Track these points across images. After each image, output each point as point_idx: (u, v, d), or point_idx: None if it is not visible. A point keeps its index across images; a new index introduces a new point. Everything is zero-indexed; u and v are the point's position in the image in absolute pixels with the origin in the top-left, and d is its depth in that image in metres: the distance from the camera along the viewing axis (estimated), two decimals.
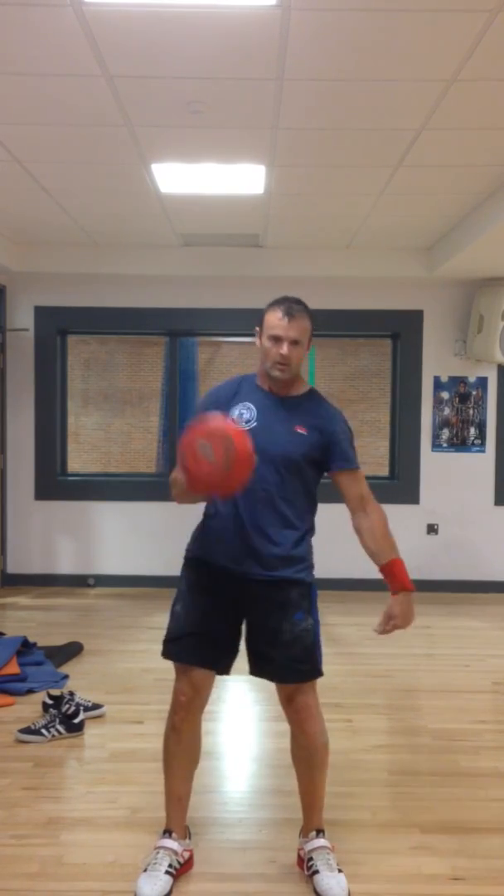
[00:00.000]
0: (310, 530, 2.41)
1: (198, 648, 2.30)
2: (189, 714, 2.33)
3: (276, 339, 2.29)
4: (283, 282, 6.23)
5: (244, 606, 2.34)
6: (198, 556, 2.39)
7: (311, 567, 2.39)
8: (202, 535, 2.40)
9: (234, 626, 2.36)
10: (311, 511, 2.41)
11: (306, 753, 2.38)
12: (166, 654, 2.36)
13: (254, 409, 2.33)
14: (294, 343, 2.29)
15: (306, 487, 2.36)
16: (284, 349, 2.29)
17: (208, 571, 2.34)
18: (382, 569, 2.31)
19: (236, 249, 6.08)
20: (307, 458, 2.33)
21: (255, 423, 2.30)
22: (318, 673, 2.35)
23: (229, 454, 2.02)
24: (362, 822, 2.72)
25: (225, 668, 2.37)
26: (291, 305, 2.31)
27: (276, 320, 2.30)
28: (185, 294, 6.40)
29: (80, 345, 6.77)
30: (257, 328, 2.38)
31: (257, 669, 2.36)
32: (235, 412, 2.32)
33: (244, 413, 2.33)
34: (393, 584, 2.29)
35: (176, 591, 2.40)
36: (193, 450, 2.06)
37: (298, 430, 2.31)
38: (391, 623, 2.27)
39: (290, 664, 2.30)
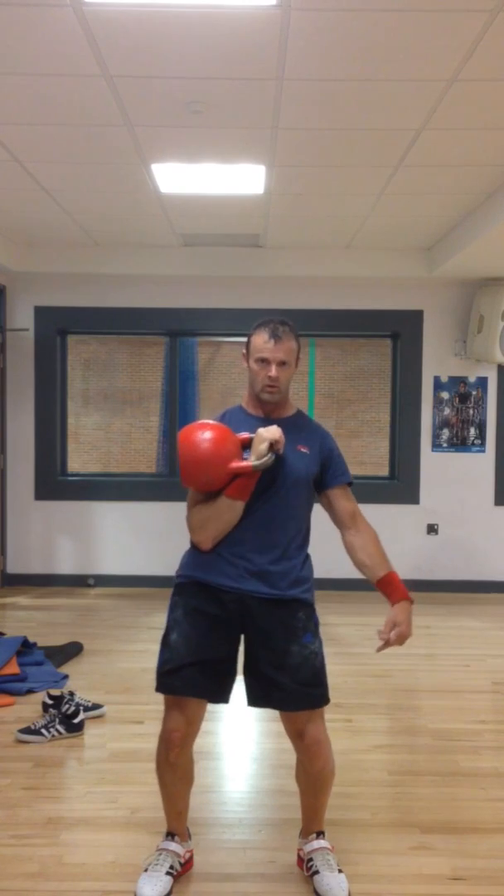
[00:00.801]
0: (307, 548, 2.40)
1: (198, 679, 2.21)
2: (184, 748, 2.27)
3: (264, 362, 2.27)
4: (283, 282, 6.27)
5: (246, 629, 2.26)
6: (195, 579, 2.29)
7: (312, 588, 2.36)
8: (197, 557, 2.31)
9: (234, 651, 2.29)
10: (309, 531, 2.40)
11: (313, 781, 2.34)
12: (164, 688, 2.25)
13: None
14: (282, 364, 2.28)
15: (308, 508, 2.37)
16: (273, 371, 2.27)
17: (207, 593, 2.26)
18: (380, 581, 2.30)
19: (236, 249, 6.08)
20: (312, 476, 2.34)
21: None
22: (328, 698, 2.29)
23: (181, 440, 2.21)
24: (362, 822, 2.72)
25: (226, 697, 2.29)
26: (277, 327, 2.28)
27: (262, 343, 2.27)
28: (185, 294, 6.40)
29: (80, 345, 6.77)
30: (244, 352, 2.37)
31: (262, 697, 2.27)
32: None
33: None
34: (395, 594, 2.28)
35: (167, 621, 2.30)
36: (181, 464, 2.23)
37: (301, 450, 2.31)
38: (396, 630, 2.24)
39: (300, 689, 2.22)
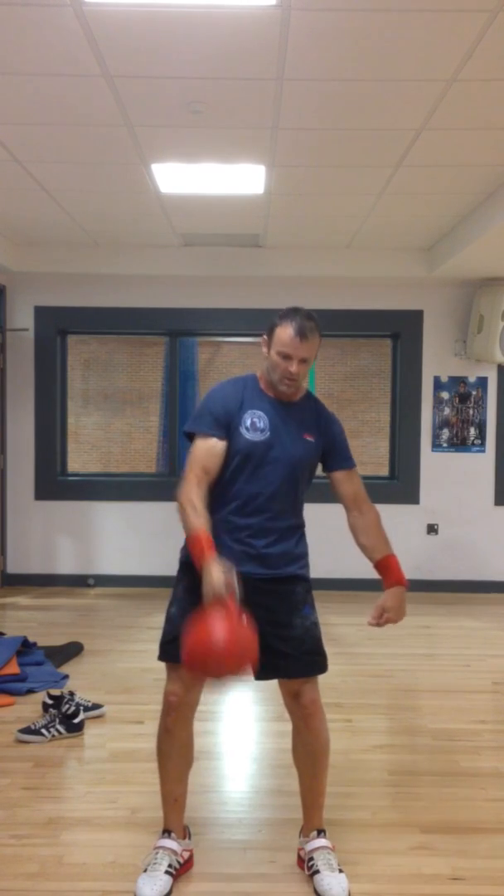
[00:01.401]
0: (303, 526, 2.46)
1: None
2: (181, 714, 2.32)
3: (286, 357, 2.30)
4: (283, 282, 6.27)
5: (246, 607, 2.31)
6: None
7: (308, 564, 2.45)
8: None
9: None
10: (302, 508, 2.47)
11: (310, 750, 2.38)
12: (163, 656, 2.34)
13: (265, 418, 2.35)
14: (303, 361, 2.32)
15: (304, 489, 2.44)
16: (294, 367, 2.31)
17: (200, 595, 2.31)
18: (378, 564, 2.37)
19: (236, 249, 6.08)
20: (312, 463, 2.42)
21: (268, 433, 2.34)
22: (327, 666, 2.38)
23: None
24: (362, 822, 2.72)
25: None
26: (304, 324, 2.30)
27: (287, 338, 2.29)
28: (185, 294, 6.40)
29: (80, 345, 6.77)
30: (265, 336, 2.38)
31: (268, 668, 2.30)
32: (247, 420, 2.34)
33: (257, 422, 2.35)
34: (388, 578, 2.35)
35: (171, 595, 2.39)
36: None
37: (306, 438, 2.38)
38: (385, 616, 2.32)
39: (304, 657, 2.31)
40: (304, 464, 2.39)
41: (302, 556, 2.41)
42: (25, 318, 6.44)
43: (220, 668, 2.05)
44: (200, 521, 2.20)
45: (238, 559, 2.28)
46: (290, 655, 2.30)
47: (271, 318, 2.37)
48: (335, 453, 2.45)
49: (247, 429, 2.33)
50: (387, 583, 2.36)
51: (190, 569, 2.34)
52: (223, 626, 2.03)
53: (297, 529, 2.42)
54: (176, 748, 2.36)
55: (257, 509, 2.32)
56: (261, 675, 2.33)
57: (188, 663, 2.09)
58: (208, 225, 5.48)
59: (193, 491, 2.26)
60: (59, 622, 5.37)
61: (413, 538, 6.45)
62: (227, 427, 2.33)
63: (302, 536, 2.43)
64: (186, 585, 2.34)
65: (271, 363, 2.35)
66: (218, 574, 2.09)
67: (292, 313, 2.33)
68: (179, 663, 2.27)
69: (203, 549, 2.14)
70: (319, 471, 2.50)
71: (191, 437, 2.38)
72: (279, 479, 2.33)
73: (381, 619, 2.32)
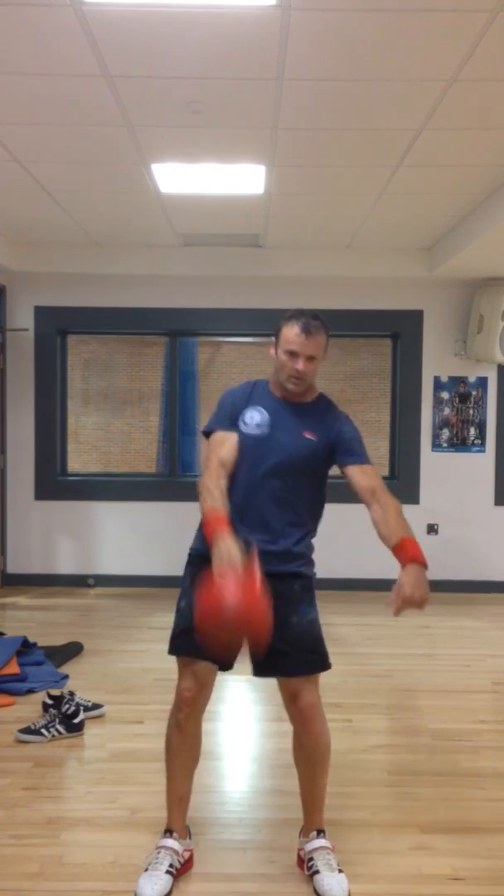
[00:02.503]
0: (313, 531, 2.45)
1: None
2: (193, 710, 2.33)
3: (293, 354, 2.33)
4: (283, 282, 6.27)
5: None
6: (201, 552, 2.36)
7: (310, 563, 2.44)
8: (205, 533, 2.39)
9: None
10: (317, 511, 2.45)
11: (310, 753, 2.39)
12: (173, 649, 2.35)
13: (266, 413, 2.39)
14: (310, 359, 2.34)
15: (313, 488, 2.43)
16: (300, 365, 2.33)
17: (210, 567, 2.33)
18: (394, 548, 2.22)
19: (236, 249, 6.07)
20: (314, 462, 2.40)
21: (266, 428, 2.37)
22: (328, 664, 2.37)
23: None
24: (362, 822, 2.72)
25: (230, 664, 2.32)
26: (309, 322, 2.34)
27: (293, 336, 2.33)
28: (185, 294, 6.40)
29: (80, 345, 6.77)
30: (273, 339, 2.43)
31: (267, 666, 2.32)
32: (247, 414, 2.40)
33: (255, 416, 2.39)
34: (403, 556, 2.18)
35: (180, 589, 2.41)
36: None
37: (307, 436, 2.37)
38: (401, 593, 2.10)
39: (302, 655, 2.32)
40: (304, 461, 2.37)
41: (302, 556, 2.40)
42: (25, 318, 6.44)
43: (231, 629, 2.01)
44: (217, 503, 2.23)
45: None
46: (287, 653, 2.30)
47: (279, 321, 2.40)
48: (342, 449, 2.41)
49: (244, 423, 2.38)
50: (402, 562, 2.18)
51: (198, 560, 2.36)
52: (237, 587, 2.01)
53: (300, 528, 2.39)
54: (186, 745, 2.37)
55: (255, 506, 2.33)
56: (259, 671, 2.35)
57: (200, 625, 2.06)
58: (208, 225, 5.48)
59: (211, 480, 2.29)
60: (59, 622, 5.37)
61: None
62: (235, 422, 2.39)
63: (305, 536, 2.41)
64: (193, 578, 2.33)
65: (279, 363, 2.38)
66: (232, 543, 2.09)
67: (298, 313, 2.38)
68: (191, 657, 2.30)
69: (218, 524, 2.15)
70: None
71: (208, 436, 2.44)
72: (277, 475, 2.34)
73: (399, 601, 2.10)
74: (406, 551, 2.22)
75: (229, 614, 2.00)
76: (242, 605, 2.01)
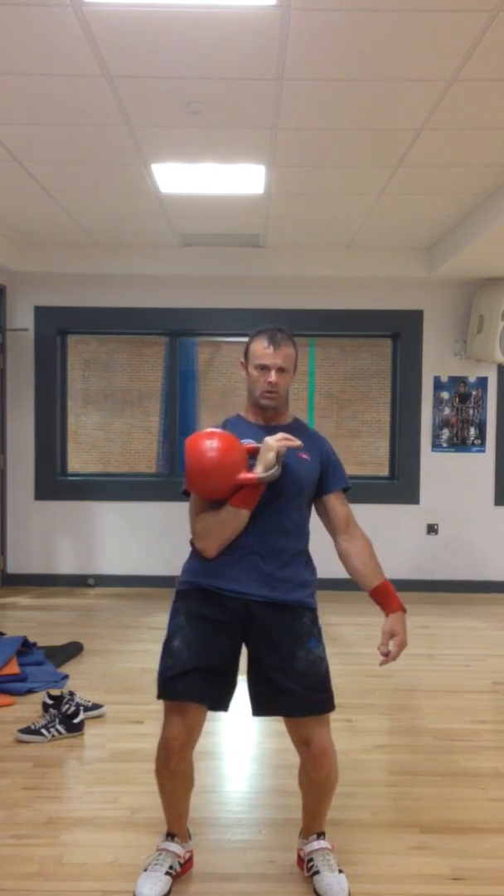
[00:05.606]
0: (308, 551, 2.41)
1: (200, 685, 2.20)
2: (182, 755, 2.24)
3: (263, 368, 2.29)
4: (283, 282, 6.27)
5: (250, 635, 2.27)
6: (197, 585, 2.29)
7: (316, 593, 2.38)
8: (200, 563, 2.31)
9: (235, 659, 2.29)
10: (308, 534, 2.41)
11: (317, 784, 2.33)
12: (166, 693, 2.23)
13: (256, 444, 2.30)
14: (281, 370, 2.30)
15: (308, 513, 2.40)
16: (272, 377, 2.29)
17: (210, 599, 2.26)
18: (374, 591, 2.32)
19: (236, 249, 6.07)
20: (313, 483, 2.36)
21: None
22: (333, 705, 2.28)
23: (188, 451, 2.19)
24: (362, 822, 2.72)
25: (225, 705, 2.28)
26: (275, 334, 2.31)
27: (261, 350, 2.30)
28: (185, 294, 6.40)
29: (80, 345, 6.77)
30: (242, 360, 2.38)
31: (268, 703, 2.26)
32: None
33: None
34: (390, 605, 2.31)
35: (169, 626, 2.30)
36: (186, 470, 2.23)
37: (303, 457, 2.33)
38: (395, 640, 2.28)
39: (307, 694, 2.21)
40: (308, 484, 2.33)
41: (310, 584, 2.35)
42: (25, 318, 6.44)
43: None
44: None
45: (246, 582, 2.24)
46: (291, 691, 2.20)
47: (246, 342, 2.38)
48: (332, 473, 2.39)
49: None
50: (390, 609, 2.31)
51: (189, 596, 2.30)
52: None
53: (303, 554, 2.36)
54: (178, 782, 2.30)
55: (264, 531, 2.26)
56: (259, 710, 2.28)
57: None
58: (208, 225, 5.48)
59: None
60: (59, 622, 5.37)
61: (413, 538, 6.45)
62: None
63: (309, 561, 2.38)
64: (188, 614, 2.27)
65: (252, 381, 2.33)
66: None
67: (263, 328, 2.35)
68: (184, 701, 2.20)
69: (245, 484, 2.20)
70: None
71: (188, 494, 2.34)
72: (287, 501, 2.28)
73: (393, 645, 2.28)
74: (392, 599, 2.32)
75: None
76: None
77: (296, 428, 2.40)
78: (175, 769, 2.25)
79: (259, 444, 2.24)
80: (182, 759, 2.25)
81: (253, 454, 2.24)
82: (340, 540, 2.37)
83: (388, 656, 2.29)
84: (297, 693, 2.21)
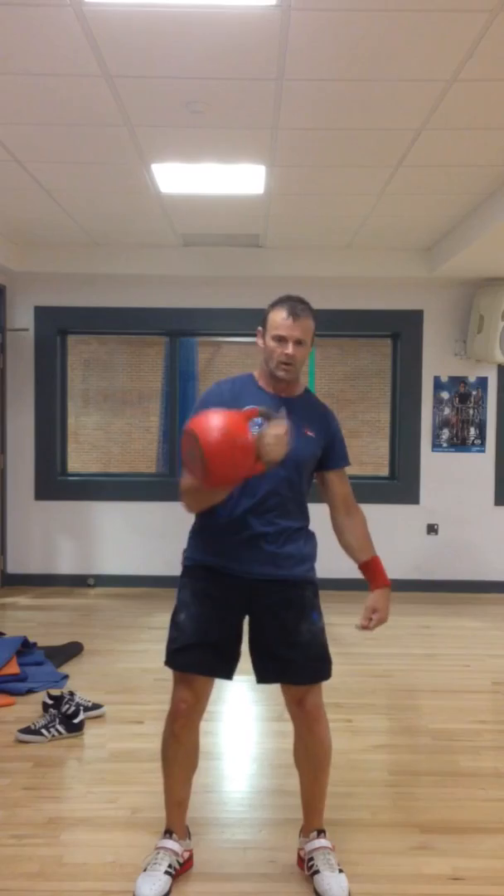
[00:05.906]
0: (308, 526, 2.43)
1: (205, 658, 2.27)
2: (189, 721, 2.31)
3: (281, 339, 2.28)
4: (283, 282, 6.24)
5: (252, 610, 2.31)
6: (202, 562, 2.33)
7: (315, 567, 2.42)
8: (204, 541, 2.34)
9: (238, 632, 2.33)
10: (307, 507, 2.43)
11: (312, 754, 2.37)
12: (173, 664, 2.31)
13: None
14: (298, 343, 2.28)
15: (307, 486, 2.41)
16: (290, 349, 2.27)
17: (214, 577, 2.30)
18: (364, 565, 2.42)
19: (236, 249, 6.07)
20: (314, 459, 2.38)
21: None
22: (330, 672, 2.36)
23: (198, 451, 2.02)
24: (362, 822, 2.72)
25: (229, 674, 2.34)
26: (296, 305, 2.29)
27: (280, 320, 2.28)
28: (185, 294, 6.40)
29: (80, 345, 6.77)
30: (259, 328, 2.36)
31: (272, 673, 2.32)
32: None
33: (258, 418, 2.29)
34: (377, 579, 2.41)
35: (176, 600, 2.35)
36: (183, 451, 2.11)
37: (308, 433, 2.33)
38: (377, 615, 2.38)
39: (310, 664, 2.30)
40: (308, 460, 2.34)
41: (310, 558, 2.38)
42: (25, 318, 6.44)
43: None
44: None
45: (249, 561, 2.27)
46: (295, 662, 2.28)
47: (265, 310, 2.35)
48: (335, 451, 2.42)
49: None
50: (374, 584, 2.41)
51: (194, 573, 2.34)
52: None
53: (303, 529, 2.38)
54: (182, 754, 2.35)
55: (265, 509, 2.27)
56: (264, 678, 2.33)
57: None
58: (208, 225, 5.48)
59: None
60: (59, 622, 5.37)
61: (413, 538, 6.45)
62: None
63: (309, 537, 2.40)
64: (193, 590, 2.32)
65: (268, 351, 2.30)
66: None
67: (284, 298, 2.33)
68: (190, 673, 2.28)
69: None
70: None
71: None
72: (284, 476, 2.27)
73: (373, 622, 2.38)
74: (379, 575, 2.41)
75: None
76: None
77: (307, 401, 2.42)
78: (180, 734, 2.30)
79: (260, 409, 2.14)
80: (187, 726, 2.30)
81: (251, 417, 2.13)
82: (337, 515, 2.44)
83: (366, 628, 2.39)
84: (300, 663, 2.29)
